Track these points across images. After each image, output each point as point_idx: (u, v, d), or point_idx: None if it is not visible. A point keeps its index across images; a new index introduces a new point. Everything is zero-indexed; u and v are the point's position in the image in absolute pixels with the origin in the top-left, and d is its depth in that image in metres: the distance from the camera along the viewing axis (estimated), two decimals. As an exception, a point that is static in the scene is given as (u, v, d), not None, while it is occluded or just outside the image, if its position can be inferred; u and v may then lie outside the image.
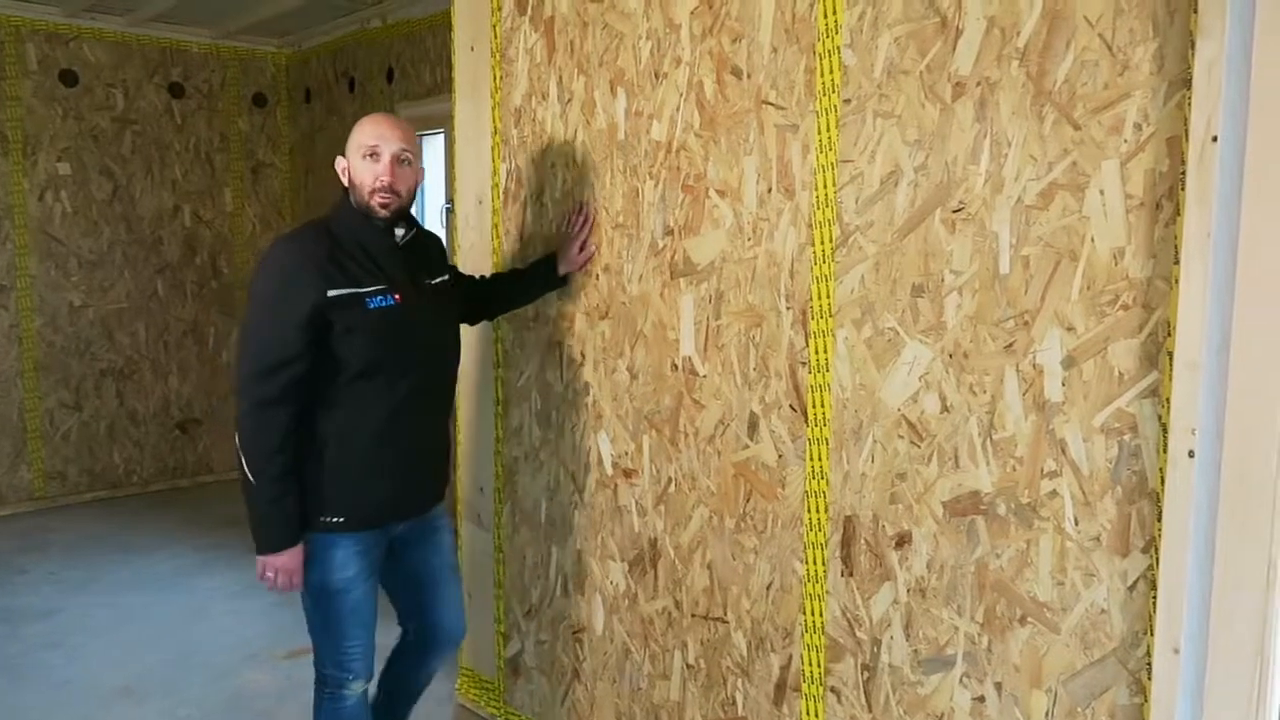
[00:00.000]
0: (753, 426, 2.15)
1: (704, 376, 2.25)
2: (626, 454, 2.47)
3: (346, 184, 2.16)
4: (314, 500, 2.13)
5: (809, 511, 2.05)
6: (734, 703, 2.26)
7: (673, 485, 2.35)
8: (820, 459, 2.01)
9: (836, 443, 1.99)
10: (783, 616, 2.13)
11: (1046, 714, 1.70)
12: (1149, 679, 1.55)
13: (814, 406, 2.01)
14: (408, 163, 2.15)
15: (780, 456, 2.10)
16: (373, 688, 2.39)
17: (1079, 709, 1.66)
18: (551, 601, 2.75)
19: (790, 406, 2.07)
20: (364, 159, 2.11)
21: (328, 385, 2.10)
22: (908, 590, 1.89)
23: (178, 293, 5.73)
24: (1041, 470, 1.68)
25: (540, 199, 2.65)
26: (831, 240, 1.96)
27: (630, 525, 2.47)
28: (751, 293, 2.13)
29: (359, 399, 2.12)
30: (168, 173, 5.62)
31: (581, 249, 2.50)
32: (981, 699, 1.79)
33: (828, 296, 1.97)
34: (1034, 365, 1.67)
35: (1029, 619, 1.71)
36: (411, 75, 5.00)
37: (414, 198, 2.21)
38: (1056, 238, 1.63)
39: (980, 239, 1.73)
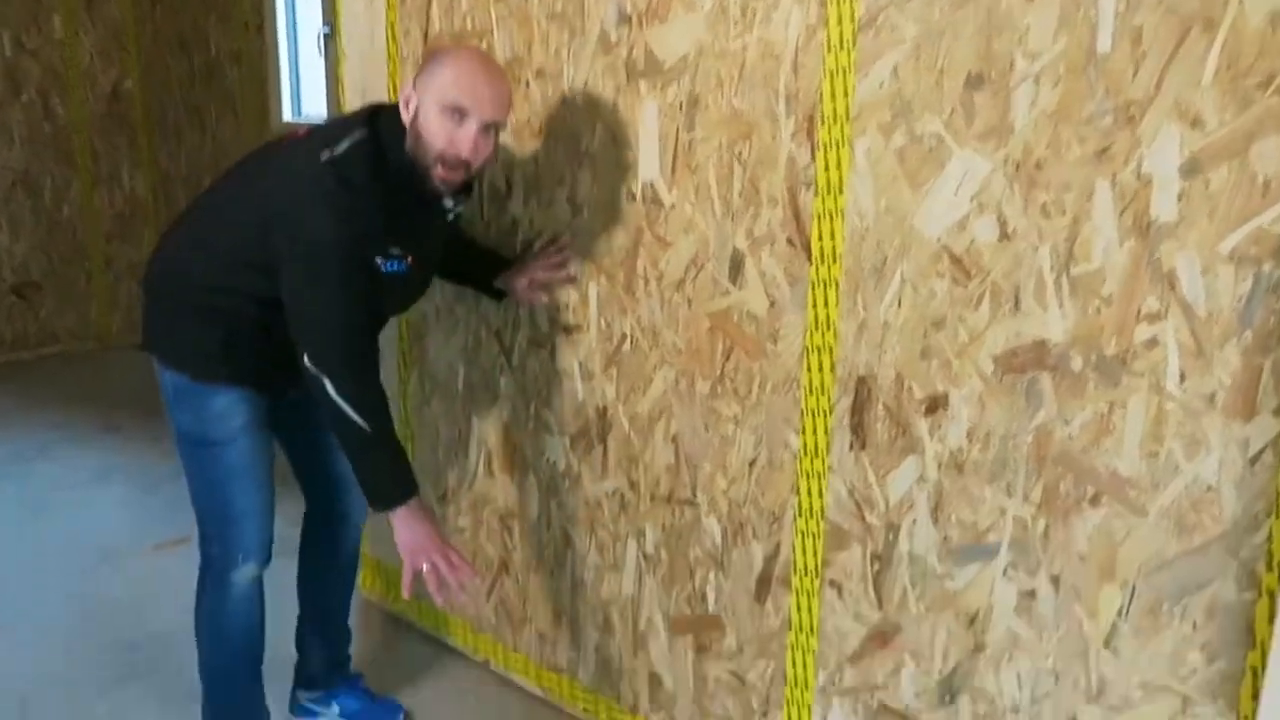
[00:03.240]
0: (736, 267, 1.72)
1: (671, 207, 1.79)
2: (567, 306, 2.01)
3: (406, 122, 1.69)
4: (200, 351, 1.80)
5: (809, 371, 1.65)
6: (703, 598, 1.90)
7: (628, 343, 1.91)
8: (827, 305, 1.60)
9: (850, 285, 1.57)
10: (770, 498, 1.75)
11: (1120, 611, 1.38)
12: (1270, 570, 1.23)
13: (820, 239, 1.59)
14: (494, 133, 1.72)
15: (772, 304, 1.68)
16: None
17: (1165, 606, 1.34)
18: (472, 484, 2.32)
19: (788, 240, 1.64)
20: (442, 114, 1.65)
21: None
22: (939, 465, 1.53)
23: (3, 137, 4.84)
24: (1138, 313, 1.30)
25: (452, -16, 2.09)
26: (853, 20, 1.49)
27: (573, 392, 2.04)
28: (738, 96, 1.66)
29: None
30: (-24, -12, 4.67)
31: (537, 285, 2.03)
32: (1031, 594, 1.46)
33: (845, 95, 1.52)
34: (1138, 175, 1.27)
35: (1104, 499, 1.37)
36: None
37: (485, 167, 1.82)
38: (1184, 1, 1.21)
39: (1070, 7, 1.30)
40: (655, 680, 2.02)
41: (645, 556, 1.98)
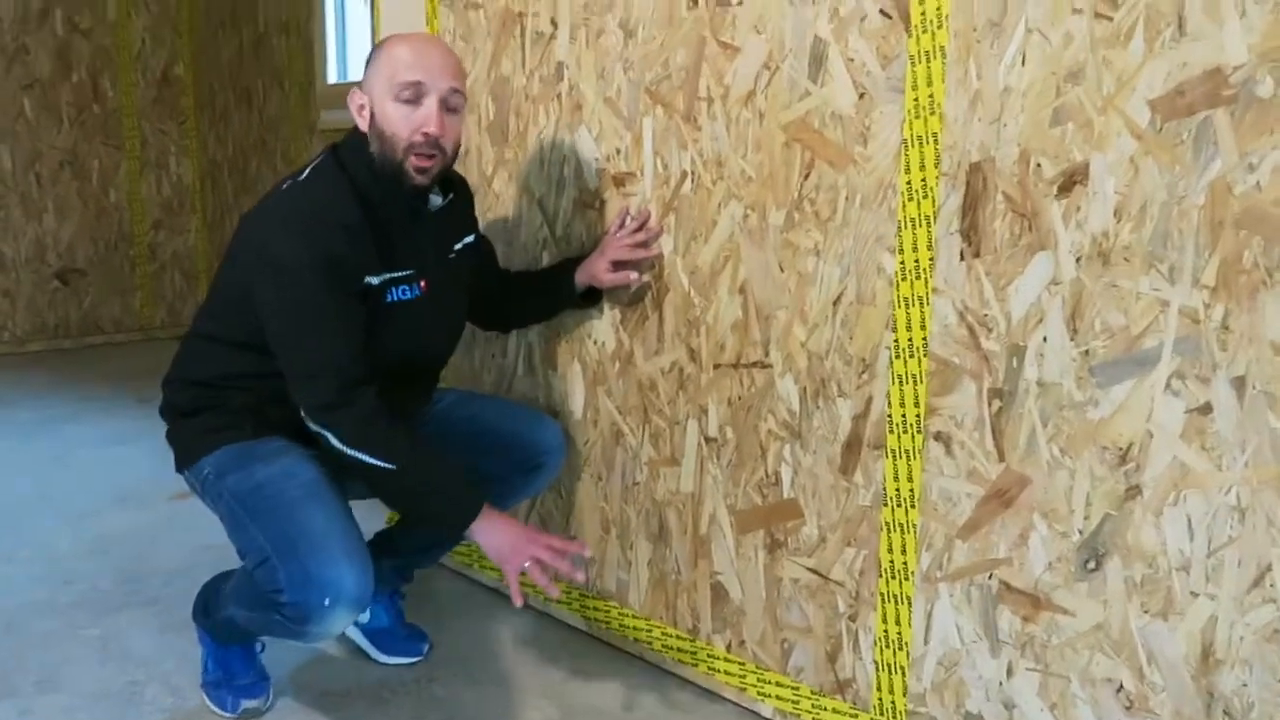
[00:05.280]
0: (817, 61, 1.45)
1: (739, 4, 1.53)
2: (618, 152, 1.75)
3: (365, 129, 1.56)
4: (230, 425, 1.61)
5: (907, 172, 1.36)
6: (776, 481, 1.60)
7: (688, 181, 1.65)
8: (930, 84, 1.32)
9: (960, 50, 1.29)
10: (859, 342, 1.46)
11: (1332, 413, 1.06)
12: None
13: (921, 1, 1.32)
14: (456, 110, 1.56)
15: (862, 96, 1.40)
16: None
17: (1399, 395, 1.02)
18: (511, 384, 2.05)
19: (881, 11, 1.37)
20: (398, 101, 1.51)
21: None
22: (1077, 259, 1.22)
23: (51, 116, 4.79)
24: (1353, 0, 1.01)
25: None
26: None
27: (624, 253, 1.77)
28: None
29: None
30: (30, -34, 4.65)
31: (623, 264, 1.74)
32: (1205, 408, 1.14)
33: None
34: None
35: (1308, 262, 1.06)
36: None
37: (458, 153, 1.61)
38: None
39: None
40: (719, 592, 1.71)
41: (707, 440, 1.69)
